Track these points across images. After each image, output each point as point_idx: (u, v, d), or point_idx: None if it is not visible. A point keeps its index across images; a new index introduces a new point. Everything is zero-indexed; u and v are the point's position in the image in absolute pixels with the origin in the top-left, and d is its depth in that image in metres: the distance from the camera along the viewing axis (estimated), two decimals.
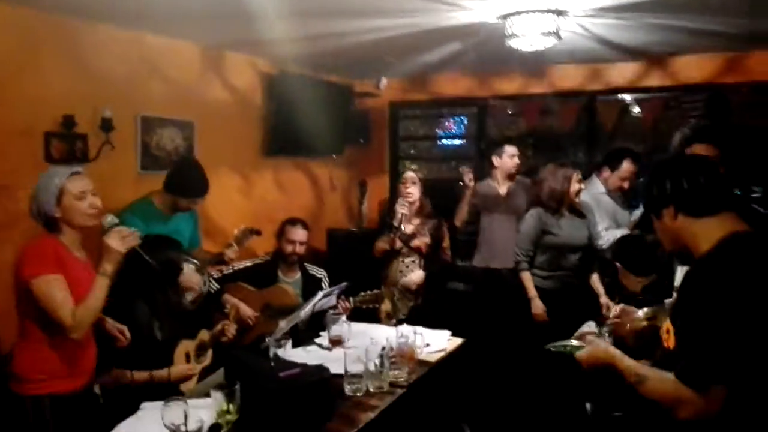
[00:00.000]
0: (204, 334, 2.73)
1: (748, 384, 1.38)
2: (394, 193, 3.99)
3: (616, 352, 1.67)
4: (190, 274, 2.77)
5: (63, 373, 2.15)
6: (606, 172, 3.93)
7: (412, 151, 6.06)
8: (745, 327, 1.37)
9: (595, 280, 3.68)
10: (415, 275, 3.76)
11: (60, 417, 2.08)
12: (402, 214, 3.69)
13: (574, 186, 3.54)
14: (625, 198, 4.04)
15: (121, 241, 2.12)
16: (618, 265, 3.00)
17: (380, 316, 3.70)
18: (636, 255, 2.94)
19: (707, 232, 1.51)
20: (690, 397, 1.40)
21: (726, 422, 1.40)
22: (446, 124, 5.97)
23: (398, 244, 3.76)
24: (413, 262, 3.79)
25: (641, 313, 2.07)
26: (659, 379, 1.49)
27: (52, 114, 3.01)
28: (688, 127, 2.42)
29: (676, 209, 1.56)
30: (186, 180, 3.10)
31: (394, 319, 3.68)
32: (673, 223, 1.57)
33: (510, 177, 4.19)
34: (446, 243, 3.89)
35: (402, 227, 3.70)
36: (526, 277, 3.57)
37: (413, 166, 5.92)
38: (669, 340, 1.55)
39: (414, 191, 3.77)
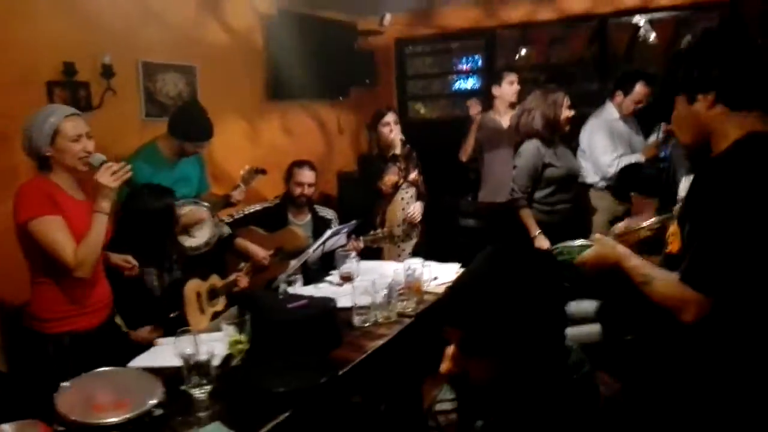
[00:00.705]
0: (215, 279, 2.76)
1: (754, 290, 1.34)
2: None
3: (625, 250, 1.58)
4: (195, 210, 2.80)
5: (77, 311, 2.20)
6: (619, 97, 3.82)
7: (421, 86, 5.94)
8: (752, 232, 1.32)
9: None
10: (416, 207, 3.82)
11: (80, 353, 2.15)
12: (401, 139, 3.78)
13: (566, 112, 3.37)
14: (640, 122, 3.96)
15: (112, 176, 2.13)
16: (632, 195, 2.97)
17: (387, 255, 3.73)
18: (643, 176, 2.92)
19: (732, 129, 1.42)
20: (695, 298, 1.36)
21: (728, 329, 1.37)
22: (458, 65, 5.81)
23: (395, 178, 3.79)
24: (411, 197, 3.86)
25: (645, 224, 1.97)
26: (665, 280, 1.44)
27: (52, 62, 2.99)
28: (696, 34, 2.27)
29: (717, 97, 1.42)
30: (190, 123, 3.08)
31: (401, 256, 3.72)
32: (706, 112, 1.44)
33: (512, 105, 4.09)
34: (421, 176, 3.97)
35: (401, 158, 3.78)
36: (526, 214, 3.40)
37: (422, 109, 5.86)
38: (674, 244, 1.50)
39: (397, 129, 3.79)
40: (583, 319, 2.99)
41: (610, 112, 3.87)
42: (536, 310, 1.10)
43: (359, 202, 3.97)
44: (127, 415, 1.55)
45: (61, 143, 2.12)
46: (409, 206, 3.82)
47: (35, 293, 2.18)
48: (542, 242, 3.38)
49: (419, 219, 3.80)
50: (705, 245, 1.37)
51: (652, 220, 1.96)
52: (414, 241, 3.86)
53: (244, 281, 2.91)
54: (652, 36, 4.50)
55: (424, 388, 2.76)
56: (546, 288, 1.14)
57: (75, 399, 1.61)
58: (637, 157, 3.70)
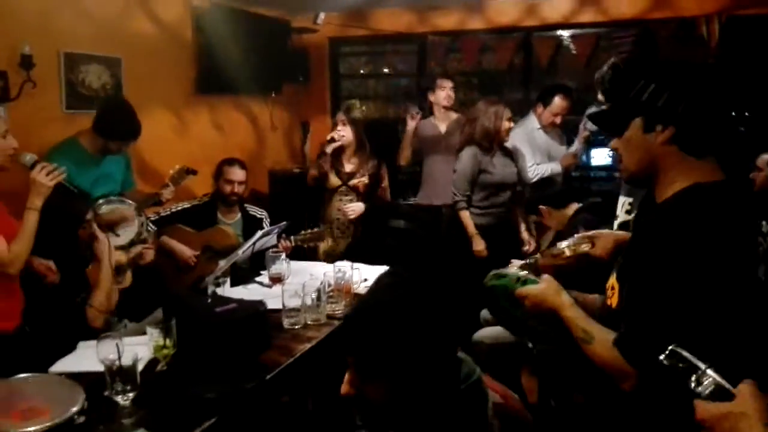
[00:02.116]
0: (120, 255, 2.67)
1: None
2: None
3: (567, 299, 1.45)
4: (128, 212, 2.72)
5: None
6: (540, 108, 4.05)
7: (354, 86, 5.99)
8: (692, 307, 1.21)
9: (518, 215, 3.85)
10: (355, 205, 3.77)
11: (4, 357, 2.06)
12: (332, 137, 3.73)
13: (505, 124, 3.59)
14: (562, 133, 4.19)
15: (48, 175, 2.12)
16: (541, 208, 3.15)
17: (319, 256, 3.76)
18: (549, 189, 3.10)
19: (680, 174, 1.31)
20: (633, 372, 1.26)
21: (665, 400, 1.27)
22: (391, 67, 5.89)
23: (336, 180, 3.79)
24: (351, 201, 3.81)
25: (564, 244, 1.88)
26: (605, 343, 1.31)
27: None
28: (617, 58, 2.39)
29: (676, 136, 1.30)
30: (116, 122, 2.99)
31: (332, 257, 3.74)
32: (659, 147, 1.32)
33: (446, 109, 4.21)
34: (385, 183, 3.92)
35: (328, 150, 3.72)
36: (465, 216, 3.65)
37: (359, 107, 5.89)
38: (613, 298, 1.41)
39: (346, 132, 3.75)
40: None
41: (531, 121, 4.10)
42: (425, 334, 1.12)
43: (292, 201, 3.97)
44: (47, 424, 1.52)
45: None
46: (347, 208, 3.77)
47: None
48: (477, 242, 3.62)
49: (351, 216, 3.76)
50: (642, 314, 1.27)
51: (567, 242, 1.93)
52: (348, 241, 3.85)
53: (149, 254, 2.84)
54: (573, 50, 4.75)
55: None
56: (435, 311, 1.17)
57: None
58: (555, 166, 3.94)
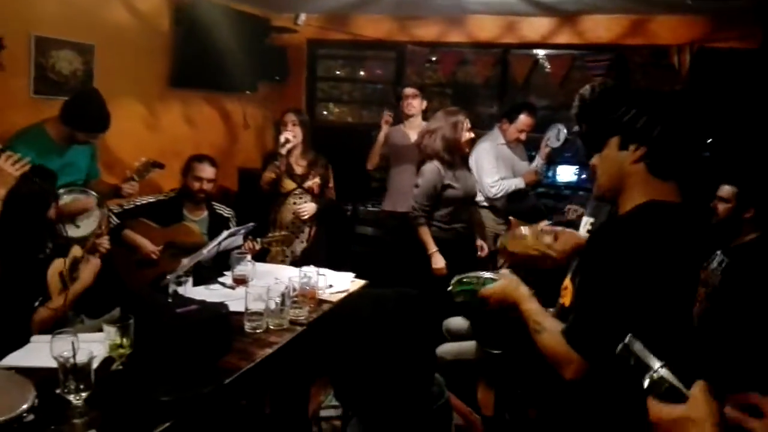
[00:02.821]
0: (77, 250, 2.58)
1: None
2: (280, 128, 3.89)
3: (525, 292, 1.59)
4: (79, 198, 2.65)
5: None
6: (505, 124, 4.12)
7: (330, 89, 5.98)
8: (633, 301, 1.33)
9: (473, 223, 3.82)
10: (308, 205, 3.72)
11: None
12: (286, 138, 3.65)
13: (465, 135, 3.47)
14: (526, 149, 4.26)
15: (13, 165, 2.10)
16: (512, 219, 3.18)
17: (274, 257, 3.69)
18: (523, 203, 3.14)
19: (641, 193, 1.43)
20: (575, 358, 1.37)
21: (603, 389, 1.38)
22: (368, 73, 5.89)
23: (290, 183, 3.74)
24: (305, 203, 3.76)
25: (528, 230, 2.00)
26: (553, 334, 1.44)
27: None
28: (599, 82, 2.45)
29: (646, 155, 1.42)
30: (85, 113, 2.92)
31: (285, 259, 3.70)
32: (629, 165, 1.44)
33: (414, 117, 4.19)
34: (331, 183, 3.89)
35: (283, 152, 3.66)
36: (424, 232, 3.48)
37: (329, 113, 5.88)
38: (566, 297, 1.52)
39: (296, 132, 3.70)
40: (459, 335, 3.16)
41: (496, 136, 4.16)
42: (403, 361, 1.19)
43: (261, 200, 3.91)
44: None
45: None
46: (300, 208, 3.72)
47: None
48: (438, 260, 3.50)
49: (306, 217, 3.71)
50: (588, 308, 1.39)
51: (529, 231, 1.97)
52: (303, 245, 3.80)
53: (105, 243, 2.76)
54: (548, 69, 4.83)
55: (311, 392, 2.80)
56: (418, 331, 1.23)
57: None
58: (518, 182, 4.01)
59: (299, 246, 3.79)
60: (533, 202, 3.20)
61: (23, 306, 2.25)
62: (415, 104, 4.14)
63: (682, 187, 1.45)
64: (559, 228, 1.98)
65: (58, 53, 3.39)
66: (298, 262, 3.54)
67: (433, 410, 1.32)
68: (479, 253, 3.83)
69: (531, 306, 1.55)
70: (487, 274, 1.76)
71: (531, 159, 4.29)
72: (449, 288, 1.83)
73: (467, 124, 3.48)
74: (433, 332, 1.31)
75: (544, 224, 3.05)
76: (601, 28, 4.45)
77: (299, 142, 3.72)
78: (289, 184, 3.74)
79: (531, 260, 2.05)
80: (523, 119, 4.03)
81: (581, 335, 1.38)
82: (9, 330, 2.19)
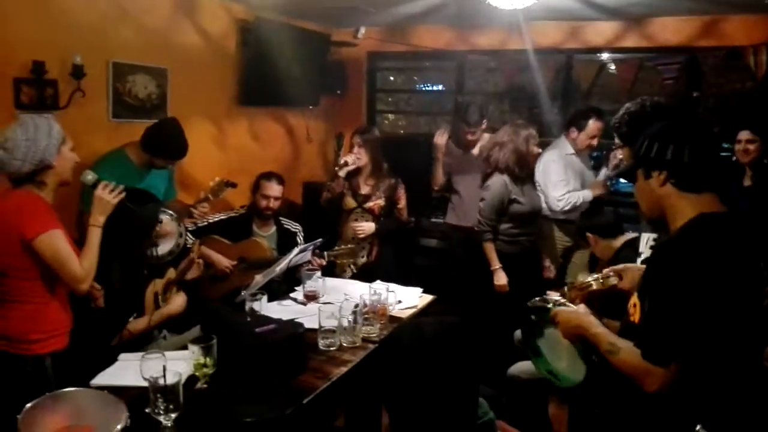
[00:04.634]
0: (171, 273, 2.72)
1: (705, 363, 1.42)
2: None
3: (592, 319, 1.66)
4: (166, 222, 2.77)
5: (60, 330, 2.18)
6: (573, 133, 3.94)
7: (390, 100, 6.01)
8: (703, 311, 1.40)
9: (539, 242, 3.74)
10: (366, 224, 3.70)
11: (60, 374, 2.11)
12: (345, 161, 3.67)
13: (534, 149, 3.45)
14: (591, 158, 4.12)
15: (111, 193, 2.19)
16: (589, 235, 3.08)
17: (338, 272, 3.68)
18: (600, 218, 3.04)
19: (684, 208, 1.52)
20: (658, 371, 1.42)
21: (684, 398, 1.45)
22: (428, 84, 5.90)
23: (352, 202, 3.75)
24: (366, 221, 3.74)
25: (590, 278, 2.02)
26: (631, 351, 1.49)
27: (22, 59, 2.92)
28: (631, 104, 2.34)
29: (668, 177, 1.53)
30: (166, 142, 3.07)
31: (347, 273, 3.70)
32: (659, 189, 1.55)
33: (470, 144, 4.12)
34: (402, 204, 3.82)
35: (341, 173, 3.66)
36: (489, 248, 3.47)
37: (389, 124, 5.90)
38: (635, 315, 1.56)
39: (361, 155, 3.69)
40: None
41: (565, 147, 3.97)
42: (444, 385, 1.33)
43: (325, 213, 3.96)
44: None
45: (66, 152, 2.13)
46: (358, 227, 3.71)
47: (15, 313, 2.11)
48: (500, 277, 3.47)
49: (361, 236, 3.69)
50: (662, 322, 1.44)
51: (596, 276, 2.03)
52: (363, 260, 3.77)
53: (197, 268, 2.87)
54: (613, 71, 4.71)
55: (383, 408, 2.81)
56: (452, 361, 1.37)
57: (38, 423, 1.58)
58: (587, 194, 3.84)
59: (360, 261, 3.79)
60: (610, 216, 3.08)
61: (119, 320, 2.38)
62: (478, 135, 4.04)
63: (720, 195, 1.54)
64: (620, 266, 2.01)
65: (134, 78, 3.55)
66: (359, 276, 3.56)
67: (478, 425, 1.44)
68: (545, 273, 3.75)
69: (601, 330, 1.62)
70: (558, 298, 1.87)
71: (595, 167, 4.14)
72: (530, 302, 1.91)
73: (536, 138, 3.45)
74: (476, 357, 1.42)
75: (623, 239, 2.95)
76: (670, 30, 4.29)
77: (366, 163, 3.72)
78: (350, 203, 3.76)
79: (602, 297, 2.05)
80: (593, 125, 3.85)
81: (658, 346, 1.43)
82: (101, 342, 2.32)
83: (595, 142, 3.92)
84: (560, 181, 3.83)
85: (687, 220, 1.50)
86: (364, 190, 3.77)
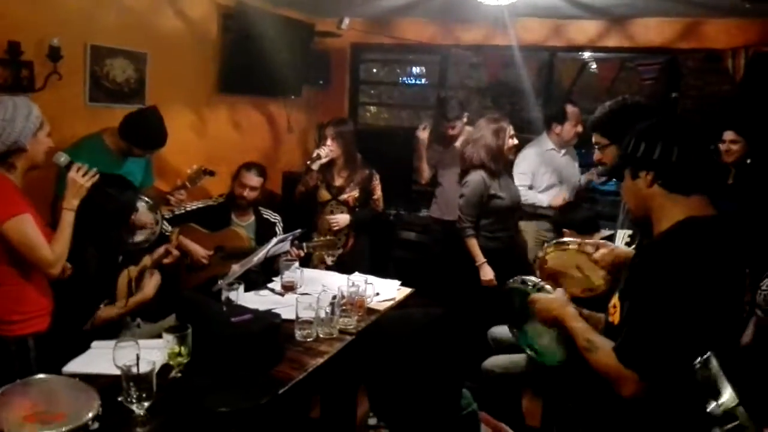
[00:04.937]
0: (146, 260, 2.68)
1: (679, 370, 1.38)
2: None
3: (570, 311, 1.64)
4: (143, 212, 2.73)
5: (40, 312, 2.16)
6: (557, 128, 3.98)
7: (372, 92, 5.99)
8: (682, 319, 1.38)
9: (524, 236, 3.78)
10: (340, 216, 3.71)
11: (42, 355, 2.11)
12: (318, 154, 3.65)
13: (509, 141, 3.44)
14: (576, 153, 4.16)
15: (84, 176, 2.16)
16: (565, 231, 3.12)
17: (314, 262, 3.69)
18: (576, 214, 3.08)
19: (672, 210, 1.48)
20: (633, 377, 1.40)
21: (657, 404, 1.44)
22: (411, 77, 5.90)
23: (326, 195, 3.75)
24: (340, 213, 3.75)
25: (571, 239, 2.12)
26: (607, 352, 1.47)
27: None
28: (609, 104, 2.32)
29: (656, 177, 1.50)
30: (145, 131, 3.03)
31: (324, 263, 3.70)
32: (646, 189, 1.52)
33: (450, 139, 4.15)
34: (377, 194, 3.83)
35: (313, 167, 3.65)
36: (473, 244, 3.47)
37: (371, 116, 5.89)
38: (614, 315, 1.54)
39: (334, 147, 3.67)
40: (504, 344, 3.13)
41: (545, 143, 4.03)
42: (430, 376, 1.32)
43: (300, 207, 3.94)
44: (63, 429, 1.51)
45: (41, 136, 2.10)
46: (332, 219, 3.72)
47: None
48: (487, 272, 3.48)
49: (335, 228, 3.70)
50: (640, 326, 1.41)
51: (571, 239, 2.10)
52: (339, 251, 3.76)
53: (174, 251, 2.81)
54: (594, 69, 4.75)
55: (359, 398, 2.81)
56: (439, 352, 1.36)
57: (7, 408, 1.55)
58: (542, 200, 3.91)
59: (336, 252, 3.78)
60: (586, 213, 3.11)
61: (90, 306, 2.34)
62: (458, 130, 4.07)
63: (711, 197, 1.50)
64: (601, 241, 2.09)
65: (112, 62, 3.48)
66: (335, 268, 3.56)
67: (459, 419, 1.42)
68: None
69: (579, 324, 1.59)
70: (547, 286, 1.84)
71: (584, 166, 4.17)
72: (509, 281, 1.94)
73: (510, 130, 3.45)
74: (460, 348, 1.43)
75: (598, 235, 3.01)
76: (652, 31, 4.33)
77: (339, 155, 3.71)
78: (324, 195, 3.76)
79: (564, 279, 2.10)
80: (571, 111, 3.92)
81: (635, 353, 1.41)
82: (73, 327, 2.28)
83: (579, 128, 3.96)
84: (522, 174, 3.90)
85: (673, 222, 1.47)
86: (338, 182, 3.76)
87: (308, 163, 3.70)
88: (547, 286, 1.82)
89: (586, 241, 2.15)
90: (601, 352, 1.48)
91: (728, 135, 3.71)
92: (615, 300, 1.55)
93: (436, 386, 1.34)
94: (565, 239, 2.18)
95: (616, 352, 1.43)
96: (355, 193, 3.73)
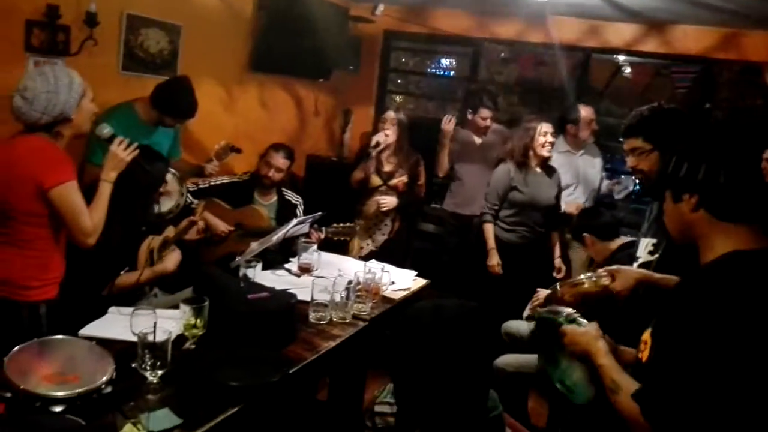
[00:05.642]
0: (170, 231, 2.70)
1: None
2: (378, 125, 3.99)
3: (601, 347, 1.48)
4: (170, 183, 2.76)
5: (57, 279, 2.19)
6: (573, 129, 3.98)
7: (399, 81, 5.96)
8: (719, 370, 1.18)
9: (554, 239, 3.79)
10: (390, 198, 3.81)
11: (53, 322, 2.13)
12: (377, 141, 3.74)
13: (539, 139, 3.54)
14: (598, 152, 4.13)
15: (125, 150, 2.20)
16: (585, 236, 3.09)
17: (350, 251, 3.75)
18: (597, 219, 3.05)
19: (718, 240, 1.32)
20: (647, 427, 1.27)
21: None
22: (442, 68, 5.86)
23: (377, 180, 3.80)
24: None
25: (583, 277, 1.96)
26: (628, 396, 1.33)
27: (36, 2, 2.88)
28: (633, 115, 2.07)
29: (700, 202, 1.33)
30: (177, 101, 3.06)
31: (365, 250, 3.76)
32: (689, 214, 1.35)
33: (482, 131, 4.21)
34: (422, 180, 3.97)
35: (374, 154, 3.74)
36: (488, 228, 3.65)
37: (400, 101, 5.87)
38: (644, 352, 1.40)
39: (391, 131, 3.77)
40: (517, 339, 3.13)
41: (560, 145, 3.98)
42: (460, 370, 1.30)
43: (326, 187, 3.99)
44: (77, 390, 1.54)
45: (85, 104, 2.12)
46: (381, 200, 3.80)
47: (15, 259, 2.11)
48: (492, 257, 3.60)
49: (385, 209, 3.80)
50: (666, 374, 1.26)
51: (589, 275, 1.95)
52: (384, 237, 3.88)
53: (196, 229, 2.85)
54: (628, 74, 4.67)
55: (367, 383, 2.84)
56: (471, 346, 1.33)
57: (24, 366, 1.59)
58: (581, 198, 3.93)
59: (380, 238, 3.89)
60: (607, 218, 3.08)
61: (111, 272, 2.38)
62: (489, 125, 4.17)
63: (764, 227, 1.32)
64: (614, 267, 1.95)
65: (147, 31, 3.50)
66: (378, 254, 3.60)
67: (486, 421, 1.38)
68: (555, 273, 3.77)
69: (608, 362, 1.44)
70: (580, 319, 1.69)
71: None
72: (540, 310, 1.80)
73: (545, 127, 3.53)
74: (491, 345, 1.38)
75: (619, 241, 2.96)
76: (690, 39, 4.25)
77: (393, 141, 3.79)
78: (375, 181, 3.84)
79: (592, 298, 2.00)
80: (584, 112, 3.92)
81: (656, 404, 1.26)
82: (91, 292, 2.32)
83: (594, 125, 3.98)
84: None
85: (718, 255, 1.31)
86: (387, 167, 3.83)
87: (369, 149, 3.78)
88: (581, 319, 1.66)
89: (599, 272, 1.98)
90: (623, 396, 1.34)
91: None
92: (647, 335, 1.39)
93: (464, 381, 1.30)
94: (579, 279, 2.03)
95: (634, 398, 1.29)
96: (404, 178, 3.83)
